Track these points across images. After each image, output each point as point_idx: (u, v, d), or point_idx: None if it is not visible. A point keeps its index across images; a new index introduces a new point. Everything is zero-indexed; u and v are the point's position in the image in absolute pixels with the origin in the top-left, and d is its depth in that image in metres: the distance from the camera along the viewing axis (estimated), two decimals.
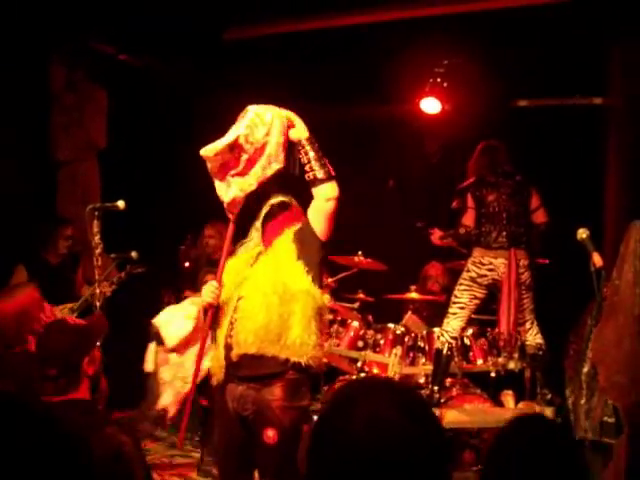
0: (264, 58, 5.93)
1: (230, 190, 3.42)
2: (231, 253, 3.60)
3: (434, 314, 6.39)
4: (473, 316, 5.71)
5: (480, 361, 5.75)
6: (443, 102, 6.86)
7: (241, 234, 3.67)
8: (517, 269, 5.28)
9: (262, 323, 3.25)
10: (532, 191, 5.52)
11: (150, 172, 6.86)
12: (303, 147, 3.47)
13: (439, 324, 5.67)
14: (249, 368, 3.29)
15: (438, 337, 5.55)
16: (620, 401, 2.59)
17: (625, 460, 2.50)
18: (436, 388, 5.32)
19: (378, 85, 6.71)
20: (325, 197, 3.41)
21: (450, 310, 5.51)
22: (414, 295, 6.30)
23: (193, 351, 4.74)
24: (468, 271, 5.43)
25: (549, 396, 5.14)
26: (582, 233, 3.56)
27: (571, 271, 4.90)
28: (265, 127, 3.39)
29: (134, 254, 4.89)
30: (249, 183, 3.41)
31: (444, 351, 5.42)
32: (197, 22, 6.01)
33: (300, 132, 3.52)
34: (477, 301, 5.46)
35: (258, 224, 3.58)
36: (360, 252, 6.24)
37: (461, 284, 5.48)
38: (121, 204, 4.29)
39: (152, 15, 5.84)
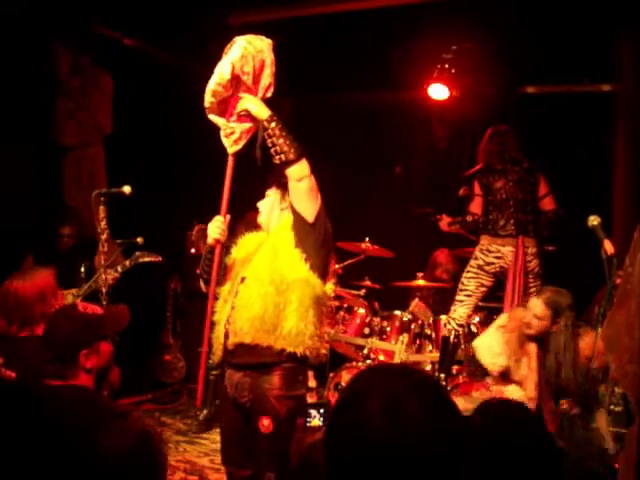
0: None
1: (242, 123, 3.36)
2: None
3: (441, 301, 6.38)
4: (480, 303, 5.69)
5: None
6: (451, 88, 6.81)
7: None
8: (525, 257, 5.25)
9: (258, 313, 3.20)
10: (540, 178, 5.48)
11: (156, 157, 6.83)
12: (266, 128, 3.24)
13: (446, 311, 5.66)
14: (245, 357, 3.27)
15: (445, 324, 5.55)
16: (632, 390, 2.56)
17: (637, 449, 2.48)
18: (442, 375, 5.31)
19: (386, 71, 6.67)
20: (296, 178, 3.22)
21: (457, 297, 5.50)
22: (421, 282, 6.28)
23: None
24: (476, 259, 5.41)
25: None
26: (593, 220, 3.52)
27: (580, 259, 4.87)
28: (259, 55, 3.31)
29: (140, 240, 4.86)
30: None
31: (450, 338, 5.42)
32: (202, 6, 5.98)
33: (259, 112, 3.29)
34: (484, 289, 5.44)
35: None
36: (367, 239, 6.22)
37: (468, 271, 5.46)
38: (127, 189, 4.25)
39: None
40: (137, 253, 4.90)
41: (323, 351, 3.37)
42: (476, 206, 5.46)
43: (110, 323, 2.55)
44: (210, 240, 3.39)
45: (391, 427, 1.26)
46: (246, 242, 3.51)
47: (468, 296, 5.44)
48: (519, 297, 5.23)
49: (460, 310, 5.45)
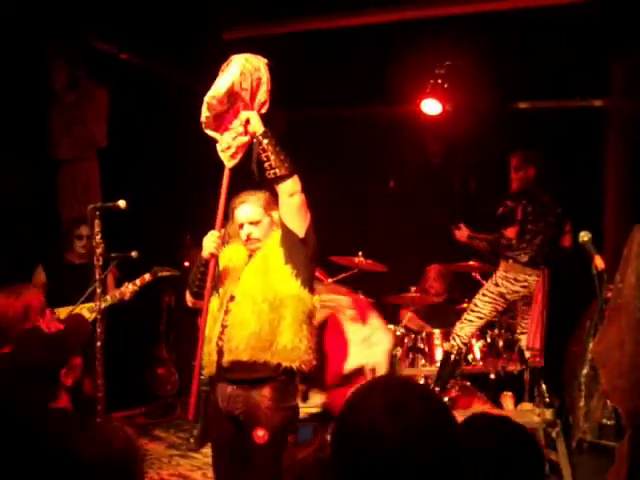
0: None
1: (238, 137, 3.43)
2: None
3: (432, 314, 6.40)
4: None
5: (480, 363, 5.74)
6: (444, 103, 6.85)
7: None
8: (548, 289, 5.25)
9: (253, 331, 3.25)
10: (567, 220, 5.45)
11: (150, 171, 6.84)
12: (260, 143, 3.30)
13: (437, 325, 5.66)
14: (241, 373, 3.31)
15: (449, 340, 5.49)
16: (622, 405, 2.58)
17: (627, 463, 2.50)
18: (438, 389, 5.30)
19: (379, 86, 6.71)
20: (288, 193, 3.28)
21: (467, 316, 5.42)
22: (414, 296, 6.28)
23: None
24: (497, 285, 5.30)
25: (548, 398, 5.13)
26: (584, 236, 3.54)
27: (571, 274, 4.89)
28: (256, 72, 3.40)
29: (134, 254, 4.86)
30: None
31: (453, 355, 5.39)
32: (198, 21, 6.02)
33: (255, 127, 3.34)
34: (496, 313, 5.43)
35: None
36: (361, 253, 6.23)
37: (485, 295, 5.36)
38: (122, 203, 4.25)
39: (153, 14, 5.84)
40: (155, 267, 4.86)
41: (314, 362, 3.43)
42: (512, 232, 5.34)
43: (75, 336, 2.52)
44: (205, 254, 3.41)
45: (393, 426, 1.30)
46: (228, 256, 3.55)
47: (480, 318, 5.38)
48: (542, 329, 5.23)
49: (467, 329, 5.40)
